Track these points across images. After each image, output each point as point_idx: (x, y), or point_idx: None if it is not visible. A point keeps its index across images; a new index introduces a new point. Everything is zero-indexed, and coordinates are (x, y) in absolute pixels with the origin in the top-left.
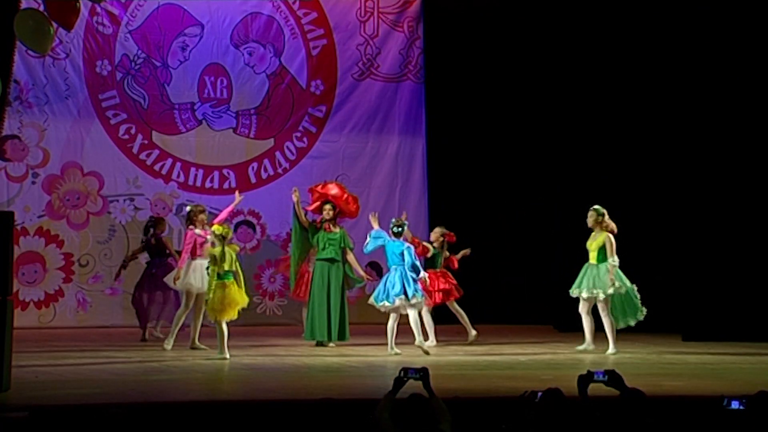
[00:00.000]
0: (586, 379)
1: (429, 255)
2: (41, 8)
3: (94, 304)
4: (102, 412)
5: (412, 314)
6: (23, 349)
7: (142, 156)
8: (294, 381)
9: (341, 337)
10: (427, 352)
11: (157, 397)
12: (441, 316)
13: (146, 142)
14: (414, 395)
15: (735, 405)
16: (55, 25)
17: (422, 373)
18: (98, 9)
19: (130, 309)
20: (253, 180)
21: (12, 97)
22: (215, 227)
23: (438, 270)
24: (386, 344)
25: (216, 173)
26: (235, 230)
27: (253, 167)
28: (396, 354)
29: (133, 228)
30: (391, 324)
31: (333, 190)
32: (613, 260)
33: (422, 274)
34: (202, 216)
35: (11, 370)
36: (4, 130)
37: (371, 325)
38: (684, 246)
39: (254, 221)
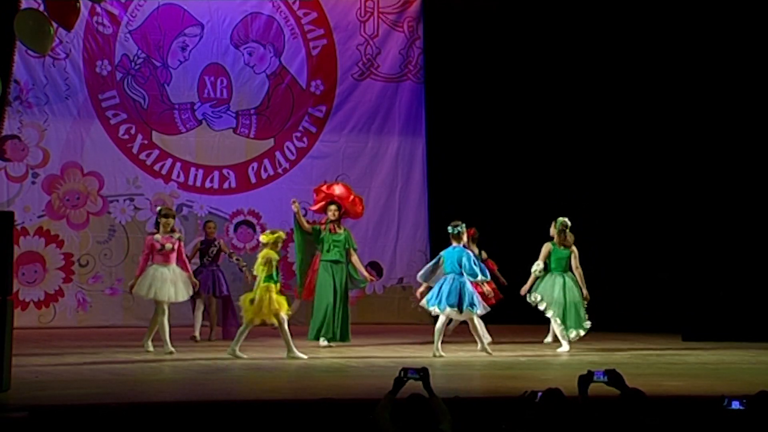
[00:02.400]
0: (586, 379)
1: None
2: (41, 8)
3: (94, 304)
4: (102, 412)
5: (475, 321)
6: (23, 349)
7: (142, 156)
8: (294, 381)
9: (343, 338)
10: (490, 353)
11: (157, 397)
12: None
13: (146, 142)
14: (414, 395)
15: (735, 405)
16: (55, 25)
17: (422, 373)
18: (98, 9)
19: (130, 309)
20: (253, 180)
21: (12, 97)
22: (262, 237)
23: None
24: (382, 345)
25: (216, 173)
26: (235, 230)
27: (253, 167)
28: (440, 356)
29: (133, 228)
30: (440, 325)
31: (338, 190)
32: (536, 265)
33: (480, 277)
34: (164, 220)
35: (11, 370)
36: (4, 130)
37: (371, 325)
38: (684, 246)
39: (254, 221)
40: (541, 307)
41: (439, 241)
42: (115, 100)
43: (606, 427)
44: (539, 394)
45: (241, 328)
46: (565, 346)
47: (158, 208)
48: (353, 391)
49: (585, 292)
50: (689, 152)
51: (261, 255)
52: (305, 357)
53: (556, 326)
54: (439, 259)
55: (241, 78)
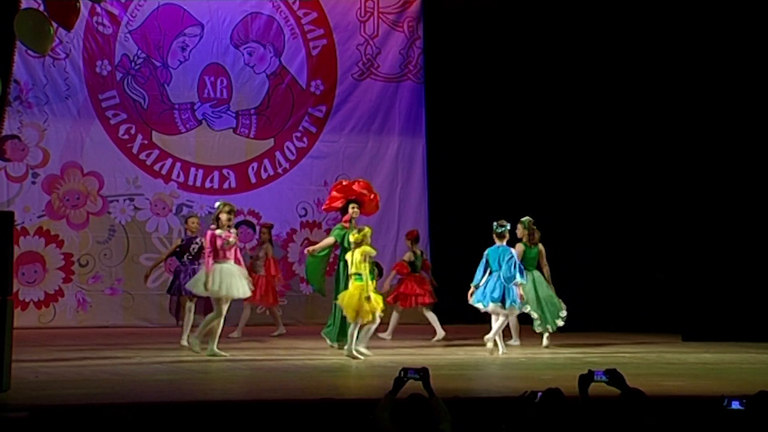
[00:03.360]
0: (586, 379)
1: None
2: (41, 8)
3: (94, 304)
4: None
5: (512, 319)
6: (23, 349)
7: (142, 156)
8: (294, 381)
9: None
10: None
11: (157, 397)
12: (443, 316)
13: (146, 142)
14: (414, 395)
15: (735, 405)
16: (55, 25)
17: (422, 373)
18: (98, 9)
19: (130, 309)
20: (253, 180)
21: (12, 97)
22: (350, 237)
23: (416, 274)
24: (382, 345)
25: (216, 173)
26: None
27: (253, 167)
28: (505, 354)
29: (133, 228)
30: (499, 324)
31: (362, 188)
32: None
33: (518, 278)
34: (224, 216)
35: (11, 370)
36: (4, 130)
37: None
38: (684, 246)
39: (254, 221)
40: (527, 309)
41: (439, 240)
42: (115, 100)
43: (606, 427)
44: (539, 394)
45: (351, 329)
46: (515, 340)
47: (217, 203)
48: (353, 391)
49: (552, 288)
50: (689, 152)
51: (359, 252)
52: (370, 354)
53: (511, 322)
54: (486, 258)
55: (241, 78)
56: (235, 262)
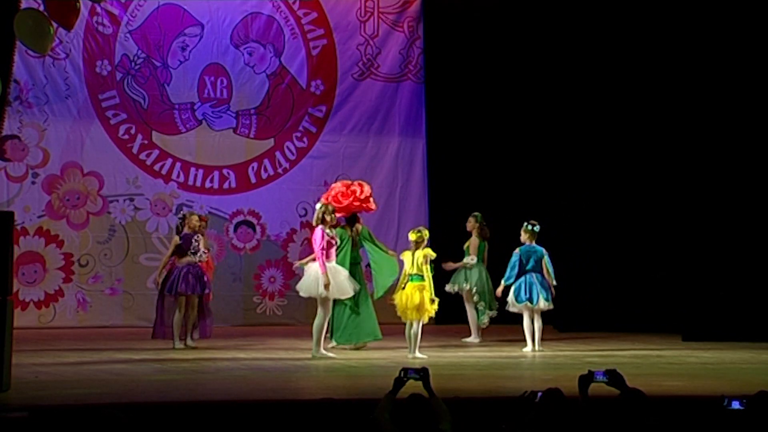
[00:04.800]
0: (586, 379)
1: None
2: (41, 8)
3: (94, 304)
4: (102, 412)
5: (537, 319)
6: (23, 349)
7: (142, 156)
8: (294, 381)
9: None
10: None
11: (157, 397)
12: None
13: (146, 142)
14: (414, 395)
15: (735, 405)
16: (55, 25)
17: (422, 373)
18: (98, 9)
19: (130, 309)
20: (253, 180)
21: (12, 97)
22: (410, 235)
23: None
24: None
25: (216, 173)
26: (235, 230)
27: (253, 167)
28: (540, 351)
29: (133, 228)
30: (527, 323)
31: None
32: (471, 259)
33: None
34: (333, 216)
35: (11, 370)
36: (4, 130)
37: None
38: (684, 246)
39: (254, 221)
40: (476, 299)
41: (439, 240)
42: (115, 100)
43: (606, 427)
44: (539, 394)
45: (415, 329)
46: (475, 337)
47: (319, 204)
48: (353, 391)
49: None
50: (690, 152)
51: (422, 254)
52: (426, 357)
53: (473, 316)
54: (518, 258)
55: (241, 78)
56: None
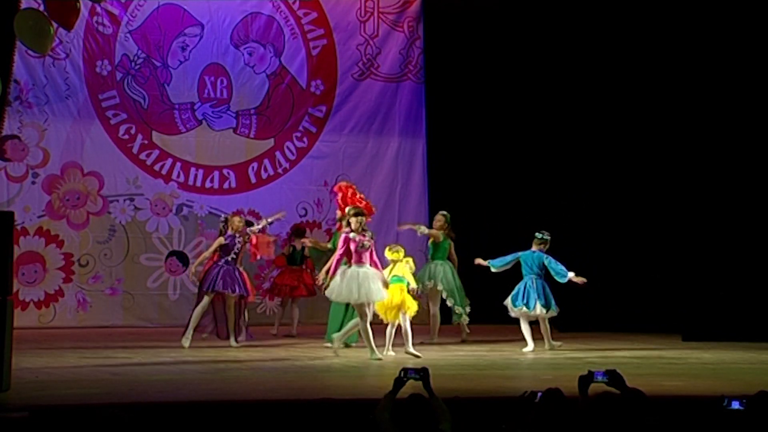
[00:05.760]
0: (586, 379)
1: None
2: (41, 8)
3: (94, 304)
4: (102, 412)
5: (542, 322)
6: (23, 349)
7: (142, 156)
8: (294, 381)
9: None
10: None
11: (157, 397)
12: (444, 316)
13: (146, 142)
14: (414, 395)
15: (735, 405)
16: (55, 25)
17: (422, 373)
18: (98, 9)
19: (130, 309)
20: (253, 180)
21: (12, 97)
22: (389, 254)
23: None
24: (382, 345)
25: (216, 173)
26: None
27: (253, 167)
28: (559, 346)
29: (133, 228)
30: (524, 326)
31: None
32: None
33: (570, 274)
34: (359, 218)
35: (11, 370)
36: (4, 130)
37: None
38: (684, 246)
39: (254, 221)
40: (445, 296)
41: None
42: (115, 100)
43: (606, 427)
44: (539, 394)
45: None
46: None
47: (348, 208)
48: (353, 391)
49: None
50: (690, 152)
51: (402, 265)
52: (420, 356)
53: (435, 324)
54: (516, 258)
55: (241, 78)
56: (372, 265)
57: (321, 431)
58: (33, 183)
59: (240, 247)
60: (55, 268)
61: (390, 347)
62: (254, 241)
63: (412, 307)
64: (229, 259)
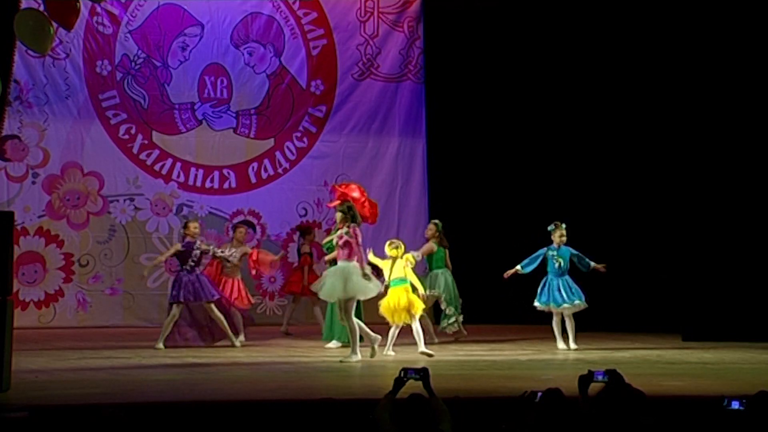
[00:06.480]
0: (586, 379)
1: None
2: (41, 8)
3: (94, 304)
4: (102, 412)
5: (567, 320)
6: (23, 349)
7: (142, 156)
8: (294, 381)
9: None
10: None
11: (157, 397)
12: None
13: (146, 142)
14: (414, 395)
15: (735, 405)
16: (55, 25)
17: (422, 373)
18: (98, 9)
19: (130, 309)
20: (253, 180)
21: (12, 97)
22: (389, 250)
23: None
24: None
25: (216, 173)
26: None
27: (253, 167)
28: (575, 349)
29: (133, 228)
30: (555, 322)
31: (354, 192)
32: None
33: (593, 264)
34: (338, 215)
35: (11, 370)
36: (4, 130)
37: (371, 325)
38: (684, 246)
39: (254, 221)
40: (444, 306)
41: None
42: (115, 100)
43: (606, 427)
44: (539, 394)
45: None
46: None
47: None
48: (353, 391)
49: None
50: (690, 152)
51: (402, 263)
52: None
53: (427, 324)
54: (543, 255)
55: (241, 78)
56: (357, 261)
57: (321, 431)
58: (33, 183)
59: (199, 255)
60: (55, 268)
61: (390, 347)
62: (254, 256)
63: (420, 307)
64: (188, 267)
